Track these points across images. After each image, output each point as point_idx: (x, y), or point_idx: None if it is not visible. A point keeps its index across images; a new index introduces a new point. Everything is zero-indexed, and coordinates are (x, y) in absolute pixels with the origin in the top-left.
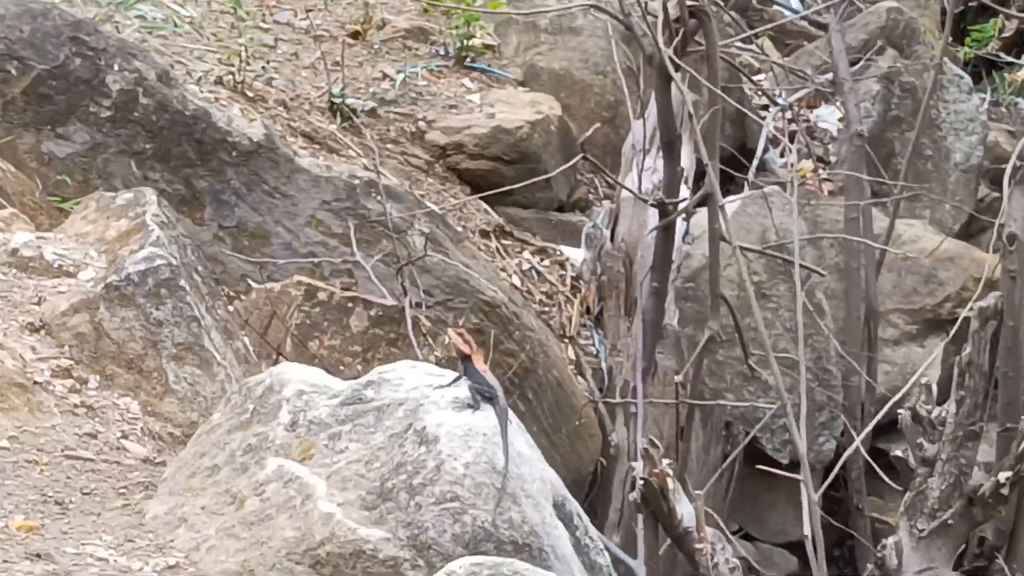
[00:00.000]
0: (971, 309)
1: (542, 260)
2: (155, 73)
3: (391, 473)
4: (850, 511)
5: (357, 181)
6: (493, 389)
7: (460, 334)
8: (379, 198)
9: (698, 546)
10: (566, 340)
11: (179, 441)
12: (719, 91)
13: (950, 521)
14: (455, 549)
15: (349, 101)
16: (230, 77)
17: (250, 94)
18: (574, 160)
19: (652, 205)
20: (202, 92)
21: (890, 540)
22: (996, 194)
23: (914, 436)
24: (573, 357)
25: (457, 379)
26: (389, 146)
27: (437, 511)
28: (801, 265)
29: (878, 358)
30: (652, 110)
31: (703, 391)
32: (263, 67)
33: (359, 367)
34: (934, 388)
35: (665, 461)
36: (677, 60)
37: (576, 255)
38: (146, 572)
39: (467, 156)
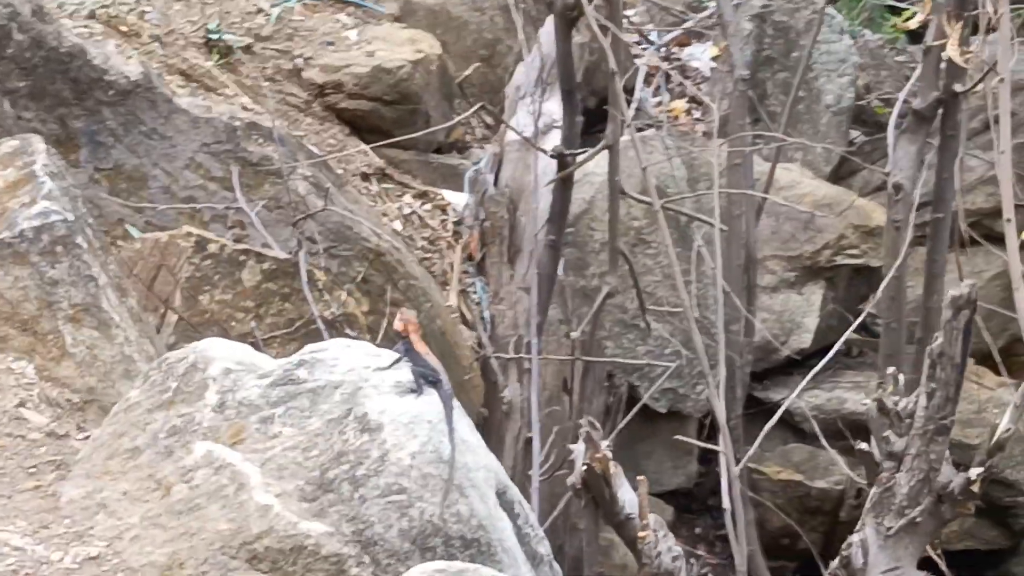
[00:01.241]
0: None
1: (423, 204)
2: (30, 8)
3: (332, 462)
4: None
5: (238, 123)
6: (436, 372)
7: (402, 313)
8: (261, 141)
9: (641, 534)
10: (448, 288)
11: (77, 408)
12: (623, 36)
13: (918, 519)
14: (402, 545)
15: (226, 37)
16: (103, 11)
17: (124, 29)
18: (472, 110)
19: (552, 156)
20: (76, 27)
21: (856, 538)
22: (857, 134)
23: (880, 428)
24: (454, 304)
25: (397, 361)
26: (266, 84)
27: (383, 504)
28: (701, 220)
29: (756, 305)
30: (537, 52)
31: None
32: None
33: (252, 323)
34: (901, 379)
35: (604, 443)
36: (591, 10)
37: (458, 199)
38: (66, 563)
39: (346, 96)
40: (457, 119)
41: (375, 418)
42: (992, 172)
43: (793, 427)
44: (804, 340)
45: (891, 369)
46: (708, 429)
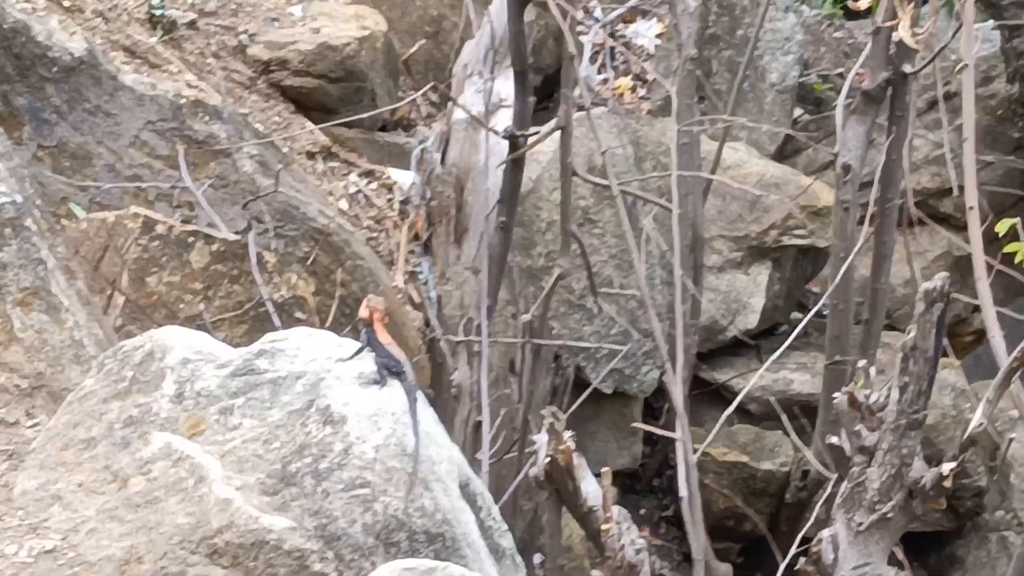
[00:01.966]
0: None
1: (369, 183)
2: None
3: (294, 455)
4: (671, 441)
5: (183, 100)
6: (400, 363)
7: (369, 300)
8: (207, 119)
9: (604, 527)
10: (394, 268)
11: (26, 394)
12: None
13: (889, 515)
14: (366, 540)
15: (169, 12)
16: None
17: (67, 4)
18: (423, 90)
19: (504, 137)
20: (18, 2)
21: (826, 533)
22: (800, 112)
23: (851, 422)
24: (400, 284)
25: (360, 351)
26: (211, 61)
27: (346, 498)
28: (655, 203)
29: (703, 285)
30: (486, 29)
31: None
32: None
33: (200, 305)
34: (872, 372)
35: (567, 434)
36: None
37: (404, 178)
38: (21, 556)
39: (291, 73)
40: (408, 99)
41: (338, 410)
42: (937, 152)
43: (739, 408)
44: (750, 320)
45: (863, 362)
46: (655, 410)
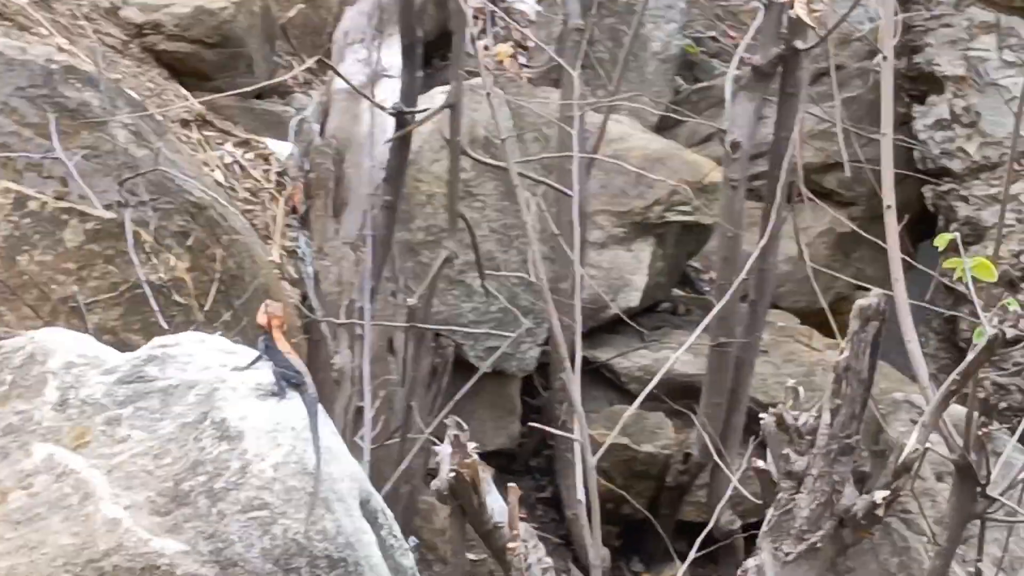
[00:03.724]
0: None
1: (246, 153)
2: None
3: (187, 473)
4: (550, 420)
5: (55, 66)
6: (299, 374)
7: (267, 306)
8: (79, 86)
9: (511, 545)
10: (270, 242)
11: None
12: None
13: (818, 544)
14: (264, 566)
15: None
16: None
17: None
18: (308, 63)
19: (390, 114)
20: None
21: (751, 563)
22: (680, 81)
23: (779, 446)
24: (277, 259)
25: (257, 360)
26: (82, 23)
27: (243, 520)
28: (555, 188)
29: (585, 261)
30: None
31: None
32: None
33: (74, 286)
34: (801, 391)
35: (471, 445)
36: None
37: (282, 149)
38: None
39: (166, 37)
40: (293, 72)
41: (235, 424)
42: (822, 126)
43: (620, 389)
44: (632, 298)
45: (791, 382)
46: (533, 389)
